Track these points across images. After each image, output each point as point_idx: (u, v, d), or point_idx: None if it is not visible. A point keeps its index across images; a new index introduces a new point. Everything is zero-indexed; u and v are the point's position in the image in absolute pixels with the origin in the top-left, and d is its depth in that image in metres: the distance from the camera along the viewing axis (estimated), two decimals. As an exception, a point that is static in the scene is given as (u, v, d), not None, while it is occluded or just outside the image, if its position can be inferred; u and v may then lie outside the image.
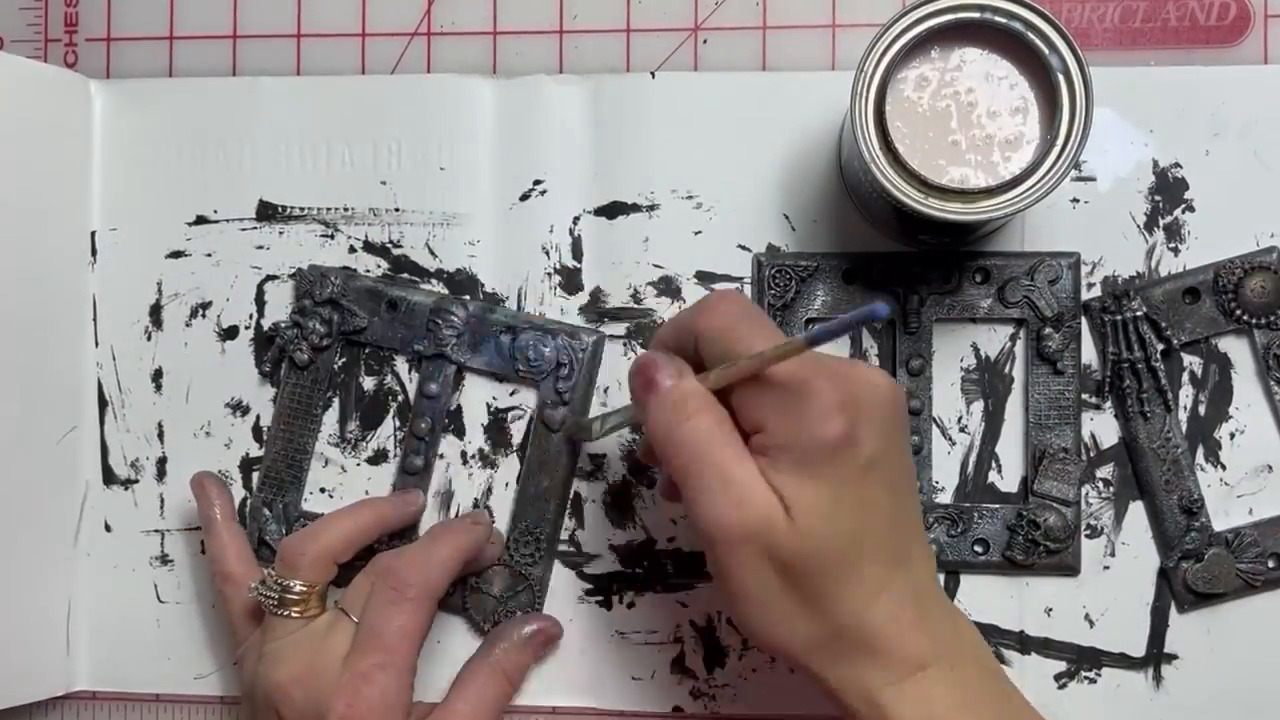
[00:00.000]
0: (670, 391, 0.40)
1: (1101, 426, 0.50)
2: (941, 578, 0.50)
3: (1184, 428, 0.50)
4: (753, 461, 0.39)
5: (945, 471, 0.51)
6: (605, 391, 0.52)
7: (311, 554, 0.47)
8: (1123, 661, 0.50)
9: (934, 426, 0.50)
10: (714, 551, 0.39)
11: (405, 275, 0.52)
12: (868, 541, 0.39)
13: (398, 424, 0.53)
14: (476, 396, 0.52)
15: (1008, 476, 0.51)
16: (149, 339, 0.54)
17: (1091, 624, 0.50)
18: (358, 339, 0.52)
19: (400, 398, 0.53)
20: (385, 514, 0.50)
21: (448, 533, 0.49)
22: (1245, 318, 0.49)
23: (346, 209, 0.53)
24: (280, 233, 0.53)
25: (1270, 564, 0.49)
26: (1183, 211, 0.50)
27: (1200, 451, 0.50)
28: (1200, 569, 0.49)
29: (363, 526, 0.49)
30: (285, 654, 0.46)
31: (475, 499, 0.52)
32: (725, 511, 0.38)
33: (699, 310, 0.41)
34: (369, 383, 0.53)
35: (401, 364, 0.53)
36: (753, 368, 0.39)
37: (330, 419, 0.53)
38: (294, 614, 0.47)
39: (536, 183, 0.52)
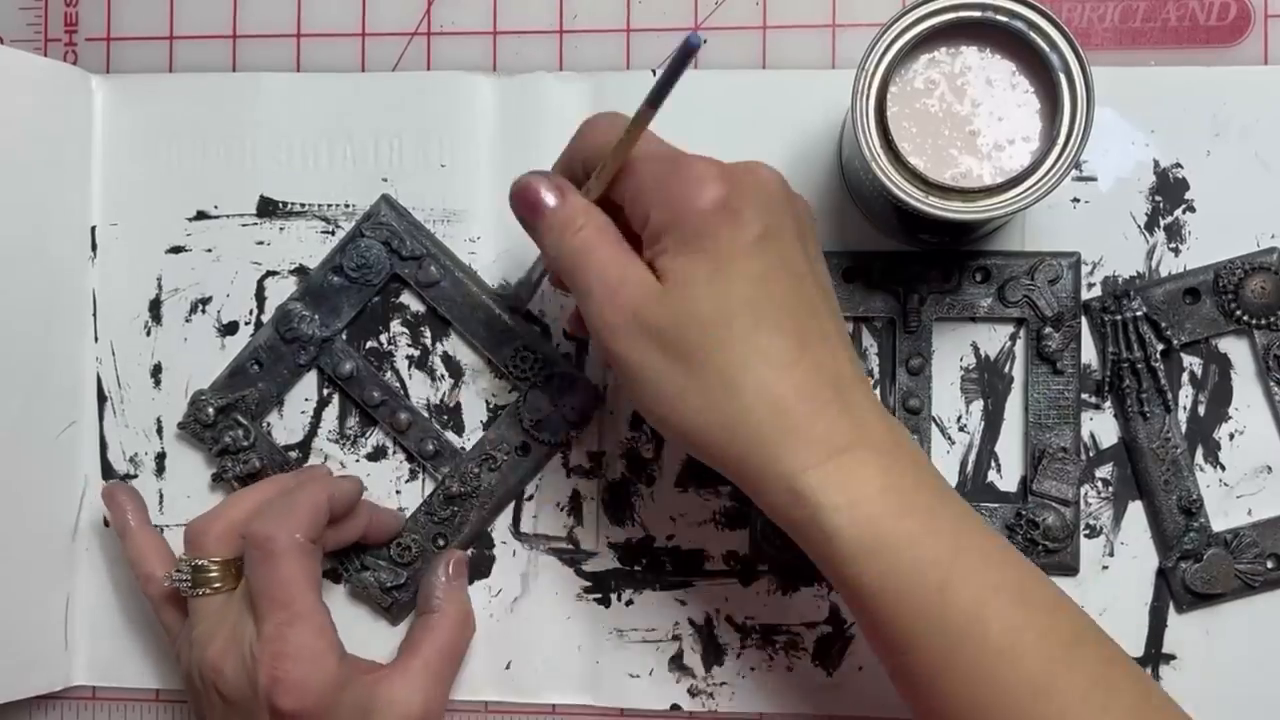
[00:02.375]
0: (555, 211, 0.42)
1: (1101, 426, 0.50)
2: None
3: (1183, 428, 0.50)
4: (634, 254, 0.40)
5: (945, 470, 0.50)
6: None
7: (215, 530, 0.47)
8: (1121, 661, 0.50)
9: (933, 426, 0.51)
10: (602, 344, 0.40)
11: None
12: (763, 312, 0.38)
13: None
14: (476, 393, 0.52)
15: (1007, 476, 0.51)
16: (149, 334, 0.54)
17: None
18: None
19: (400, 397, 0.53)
20: (285, 486, 0.50)
21: (306, 480, 0.49)
22: (1245, 318, 0.49)
23: (347, 205, 0.53)
24: (281, 229, 0.53)
25: (1269, 564, 0.49)
26: (1183, 212, 0.50)
27: (1200, 452, 0.50)
28: (1199, 569, 0.49)
29: (266, 499, 0.48)
30: (211, 632, 0.46)
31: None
32: (603, 304, 0.39)
33: (579, 134, 0.43)
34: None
35: (401, 362, 0.53)
36: (618, 160, 0.40)
37: (330, 415, 0.53)
38: (209, 591, 0.47)
39: (537, 180, 0.52)
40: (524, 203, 0.43)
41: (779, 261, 0.39)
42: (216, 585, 0.47)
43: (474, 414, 0.52)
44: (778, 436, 0.38)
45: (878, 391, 0.51)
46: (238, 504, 0.48)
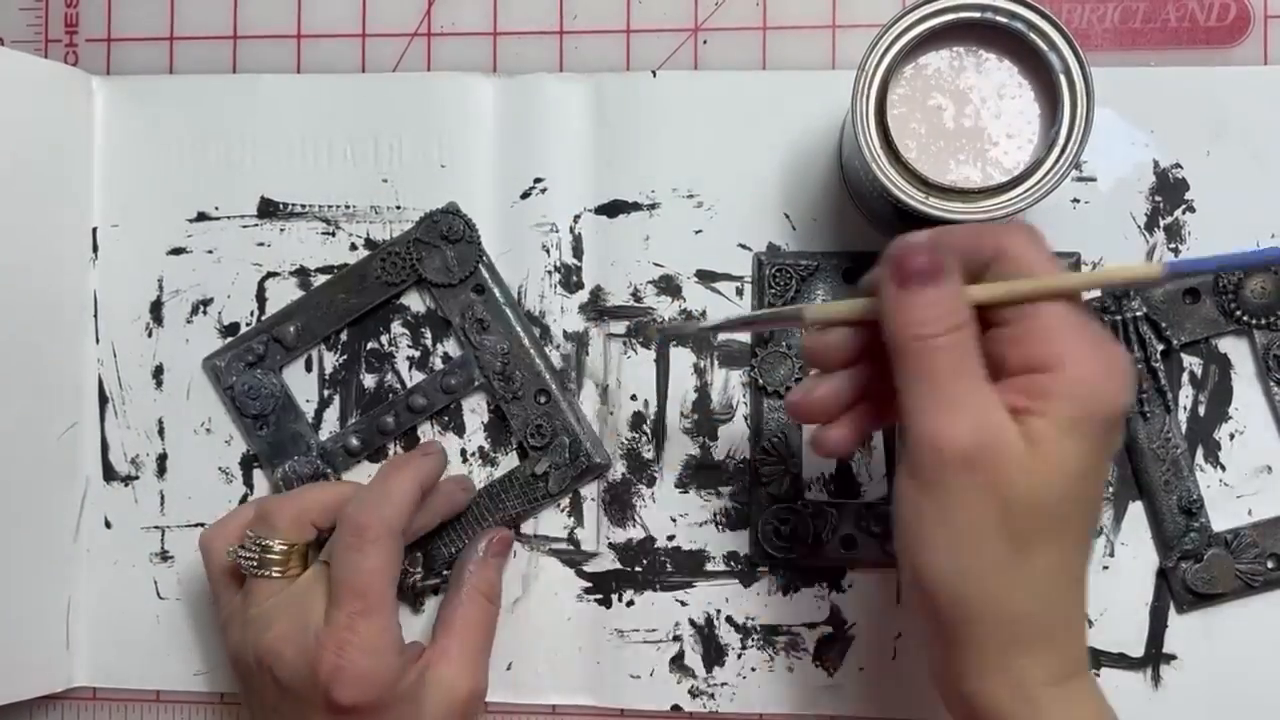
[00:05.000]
0: (934, 291, 0.35)
1: (1101, 426, 0.50)
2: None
3: (1184, 428, 0.50)
4: (995, 392, 0.35)
5: (945, 471, 0.51)
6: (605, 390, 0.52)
7: (289, 512, 0.47)
8: (1122, 662, 0.50)
9: (934, 426, 0.50)
10: (925, 476, 0.35)
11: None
12: (1092, 515, 0.36)
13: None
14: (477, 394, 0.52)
15: (1007, 476, 0.50)
16: (150, 335, 0.54)
17: (1090, 624, 0.50)
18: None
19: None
20: (361, 487, 0.49)
21: (397, 467, 0.48)
22: (1245, 318, 0.49)
23: (348, 206, 0.53)
24: (281, 230, 0.53)
25: (1269, 565, 0.49)
26: (1183, 212, 0.50)
27: (1200, 452, 0.50)
28: (1199, 569, 0.49)
29: (343, 496, 0.48)
30: (272, 615, 0.45)
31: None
32: (953, 424, 0.34)
33: (989, 231, 0.37)
34: (369, 380, 0.53)
35: (402, 362, 0.53)
36: (1039, 292, 0.35)
37: (331, 416, 0.53)
38: (274, 574, 0.46)
39: (537, 181, 0.52)
40: (899, 267, 0.36)
41: (1107, 464, 0.38)
42: (279, 569, 0.47)
43: (475, 415, 0.53)
44: (1040, 646, 0.36)
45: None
46: (313, 492, 0.48)
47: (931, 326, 0.35)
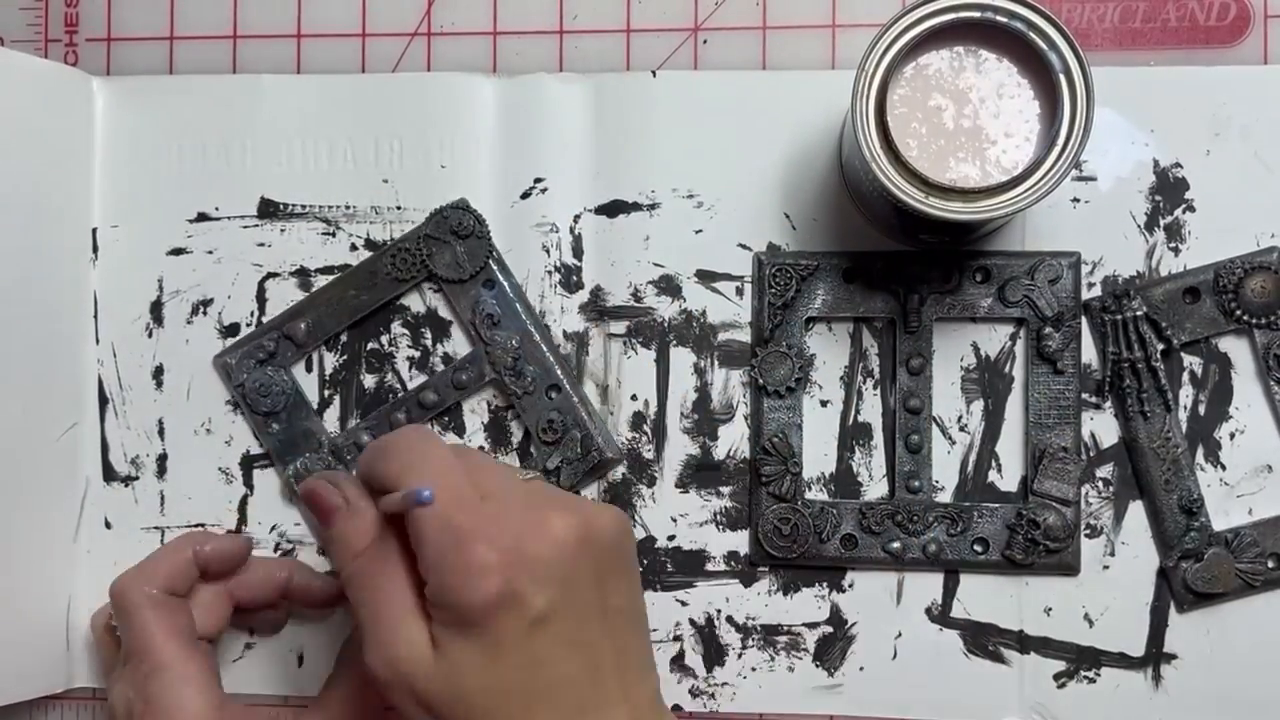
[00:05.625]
0: (337, 524, 0.42)
1: (1101, 426, 0.50)
2: (941, 577, 0.50)
3: (1184, 427, 0.50)
4: (412, 600, 0.39)
5: (945, 471, 0.51)
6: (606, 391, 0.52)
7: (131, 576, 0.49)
8: (1122, 661, 0.50)
9: (934, 426, 0.51)
10: (378, 690, 0.40)
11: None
12: (536, 695, 0.38)
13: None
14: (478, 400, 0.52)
15: (1007, 476, 0.51)
16: (150, 336, 0.54)
17: (1091, 624, 0.50)
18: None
19: (400, 395, 0.53)
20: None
21: (176, 539, 0.50)
22: (1245, 318, 0.49)
23: (348, 207, 0.53)
24: (282, 230, 0.53)
25: (1270, 564, 0.49)
26: (1183, 211, 0.50)
27: (1200, 451, 0.50)
28: (1200, 569, 0.49)
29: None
30: (116, 674, 0.48)
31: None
32: (373, 651, 0.39)
33: (379, 445, 0.42)
34: (370, 380, 0.53)
35: (402, 362, 0.53)
36: (398, 504, 0.39)
37: (331, 416, 0.53)
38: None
39: (537, 181, 0.52)
40: (311, 505, 0.43)
41: (562, 634, 0.39)
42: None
43: (475, 416, 0.52)
44: None
45: (879, 392, 0.51)
46: (153, 562, 0.49)
47: (346, 553, 0.41)
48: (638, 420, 0.52)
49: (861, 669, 0.51)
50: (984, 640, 0.50)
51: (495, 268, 0.52)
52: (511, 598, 0.38)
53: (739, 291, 0.51)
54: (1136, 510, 0.50)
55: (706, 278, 0.52)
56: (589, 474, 0.51)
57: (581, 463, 0.51)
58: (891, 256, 0.50)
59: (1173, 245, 0.50)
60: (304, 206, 0.53)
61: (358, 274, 0.52)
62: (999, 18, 0.42)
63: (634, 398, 0.52)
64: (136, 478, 0.54)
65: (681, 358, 0.52)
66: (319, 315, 0.53)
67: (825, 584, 0.51)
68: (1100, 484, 0.50)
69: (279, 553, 0.53)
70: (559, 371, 0.51)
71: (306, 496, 0.43)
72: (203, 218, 0.54)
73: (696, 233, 0.51)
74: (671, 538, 0.52)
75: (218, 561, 0.49)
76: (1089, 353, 0.50)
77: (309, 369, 0.53)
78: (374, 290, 0.52)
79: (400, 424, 0.52)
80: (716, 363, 0.52)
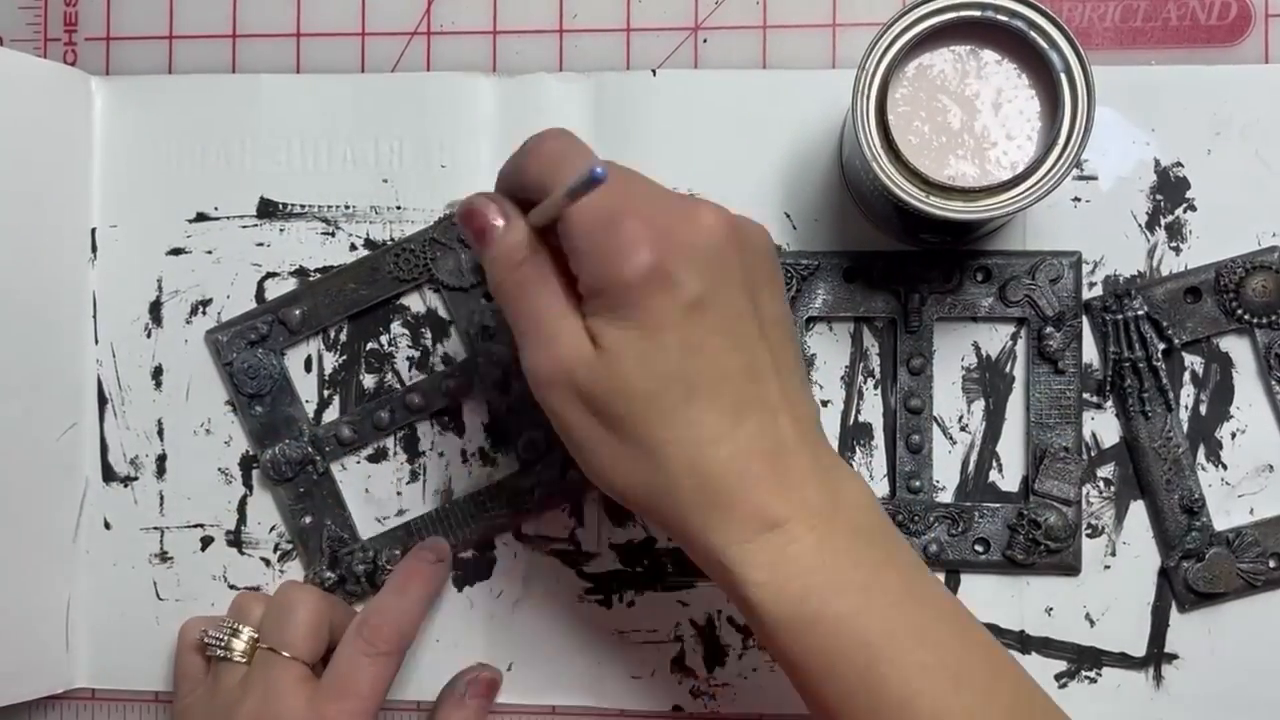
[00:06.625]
0: (497, 241, 0.40)
1: (1102, 426, 0.50)
2: (941, 577, 0.50)
3: (1185, 427, 0.50)
4: (568, 304, 0.39)
5: (946, 470, 0.51)
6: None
7: (261, 606, 0.50)
8: (1123, 661, 0.50)
9: (935, 425, 0.50)
10: (538, 397, 0.39)
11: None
12: (695, 384, 0.37)
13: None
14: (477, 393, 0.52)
15: (1008, 476, 0.50)
16: (149, 336, 0.54)
17: (1092, 623, 0.50)
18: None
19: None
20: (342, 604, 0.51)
21: (416, 578, 0.50)
22: (1246, 317, 0.49)
23: (348, 206, 0.53)
24: (281, 230, 0.53)
25: (1271, 564, 0.49)
26: (1184, 211, 0.50)
27: (1201, 451, 0.50)
28: (1201, 568, 0.49)
29: (331, 602, 0.50)
30: (238, 699, 0.47)
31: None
32: (535, 353, 0.39)
33: (527, 153, 0.40)
34: (369, 380, 0.53)
35: (401, 362, 0.53)
36: (556, 209, 0.38)
37: (331, 416, 0.53)
38: (233, 659, 0.48)
39: (537, 181, 0.52)
40: (470, 226, 0.41)
41: (718, 325, 0.38)
42: (240, 658, 0.48)
43: (475, 416, 0.52)
44: (706, 511, 0.38)
45: (879, 392, 0.51)
46: (295, 591, 0.49)
47: (507, 266, 0.40)
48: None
49: (862, 669, 0.51)
50: (985, 640, 0.50)
51: None
52: (664, 276, 0.37)
53: (739, 291, 0.51)
54: (1138, 510, 0.50)
55: (707, 277, 0.51)
56: (565, 495, 0.51)
57: (559, 484, 0.51)
58: (892, 256, 0.50)
59: (1174, 244, 0.50)
60: (303, 206, 0.53)
61: (359, 268, 0.52)
62: (1000, 17, 0.42)
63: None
64: (136, 478, 0.54)
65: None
66: (315, 304, 0.52)
67: (826, 584, 0.51)
68: (1101, 484, 0.50)
69: (278, 553, 0.53)
70: None
71: (465, 216, 0.41)
72: (202, 217, 0.54)
73: (697, 232, 0.51)
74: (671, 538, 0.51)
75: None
76: (1090, 352, 0.50)
77: (308, 369, 0.53)
78: (374, 286, 0.52)
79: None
80: (717, 362, 0.51)
